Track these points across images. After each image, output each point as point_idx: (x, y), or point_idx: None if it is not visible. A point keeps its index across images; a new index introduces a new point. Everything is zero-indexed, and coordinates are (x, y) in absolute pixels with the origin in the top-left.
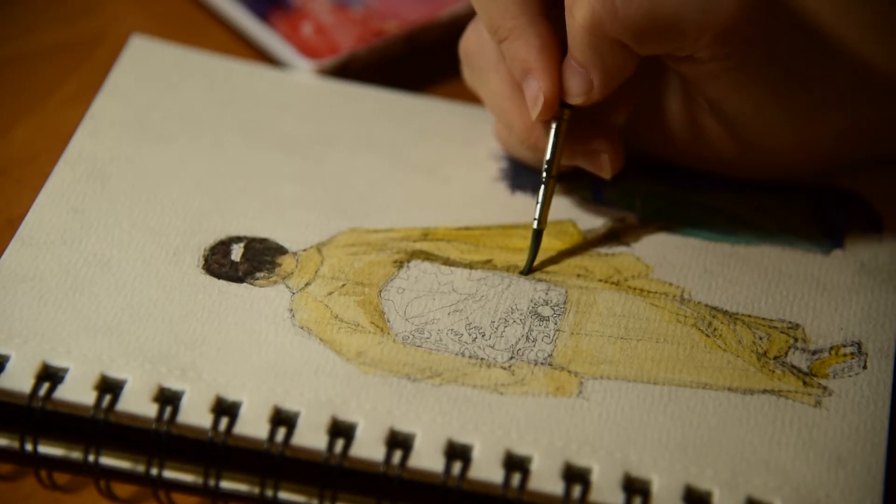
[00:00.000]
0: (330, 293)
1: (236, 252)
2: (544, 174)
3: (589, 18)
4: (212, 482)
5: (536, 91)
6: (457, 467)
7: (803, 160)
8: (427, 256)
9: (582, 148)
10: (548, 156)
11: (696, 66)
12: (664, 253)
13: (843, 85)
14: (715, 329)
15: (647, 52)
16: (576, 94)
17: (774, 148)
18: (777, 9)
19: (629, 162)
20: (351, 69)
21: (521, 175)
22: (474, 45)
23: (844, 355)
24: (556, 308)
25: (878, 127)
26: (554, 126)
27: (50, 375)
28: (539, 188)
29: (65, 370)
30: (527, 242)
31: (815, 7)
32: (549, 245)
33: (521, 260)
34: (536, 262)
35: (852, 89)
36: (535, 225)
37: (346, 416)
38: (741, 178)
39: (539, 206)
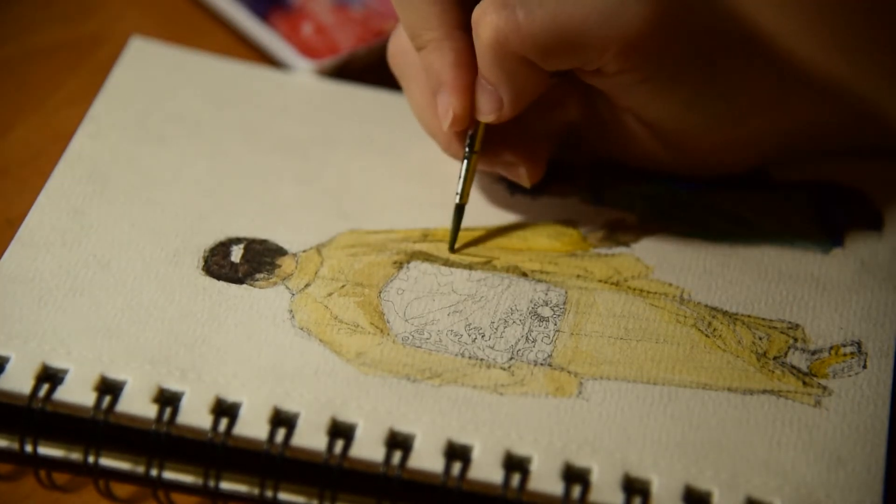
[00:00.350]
0: (330, 294)
1: (236, 253)
2: (466, 154)
3: (493, 36)
4: (211, 483)
5: (447, 106)
6: (456, 468)
7: (736, 159)
8: (427, 257)
9: (501, 158)
10: (466, 142)
11: (606, 80)
12: (664, 253)
13: (771, 88)
14: (715, 329)
15: (554, 67)
16: (486, 112)
17: (702, 149)
18: (688, 21)
19: (627, 164)
20: (351, 69)
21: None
22: (399, 51)
23: (844, 355)
24: (555, 308)
25: (813, 124)
26: (468, 142)
27: (50, 376)
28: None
29: (65, 371)
30: (527, 243)
31: (742, 13)
32: (549, 246)
33: (522, 260)
34: (536, 266)
35: (782, 91)
36: (456, 200)
37: (346, 416)
38: (683, 176)
39: (461, 180)
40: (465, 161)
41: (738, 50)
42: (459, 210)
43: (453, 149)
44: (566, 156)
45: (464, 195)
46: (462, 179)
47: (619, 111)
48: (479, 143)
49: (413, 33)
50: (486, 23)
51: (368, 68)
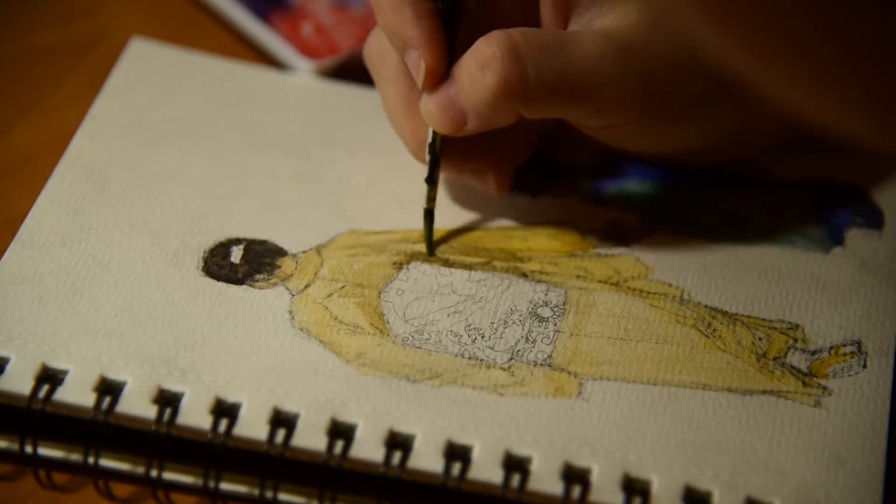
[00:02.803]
0: (329, 295)
1: (236, 254)
2: (428, 158)
3: (499, 87)
4: (211, 483)
5: (417, 59)
6: (456, 468)
7: (728, 155)
8: (426, 258)
9: (467, 166)
10: (428, 143)
11: (590, 130)
12: (664, 253)
13: (761, 114)
14: (714, 330)
15: (536, 117)
16: (444, 125)
17: (693, 156)
18: (671, 82)
19: (628, 162)
20: (351, 69)
21: (520, 176)
22: (375, 52)
23: (844, 355)
24: (555, 309)
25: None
26: (428, 148)
27: (50, 377)
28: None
29: (64, 372)
30: (527, 243)
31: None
32: (549, 246)
33: (521, 261)
34: (537, 260)
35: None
36: (424, 204)
37: (346, 417)
38: (672, 166)
39: (428, 187)
40: (428, 165)
41: (718, 90)
42: (429, 214)
43: (422, 155)
44: (546, 148)
45: (430, 199)
46: (428, 183)
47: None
48: (439, 146)
49: (373, 3)
50: (497, 71)
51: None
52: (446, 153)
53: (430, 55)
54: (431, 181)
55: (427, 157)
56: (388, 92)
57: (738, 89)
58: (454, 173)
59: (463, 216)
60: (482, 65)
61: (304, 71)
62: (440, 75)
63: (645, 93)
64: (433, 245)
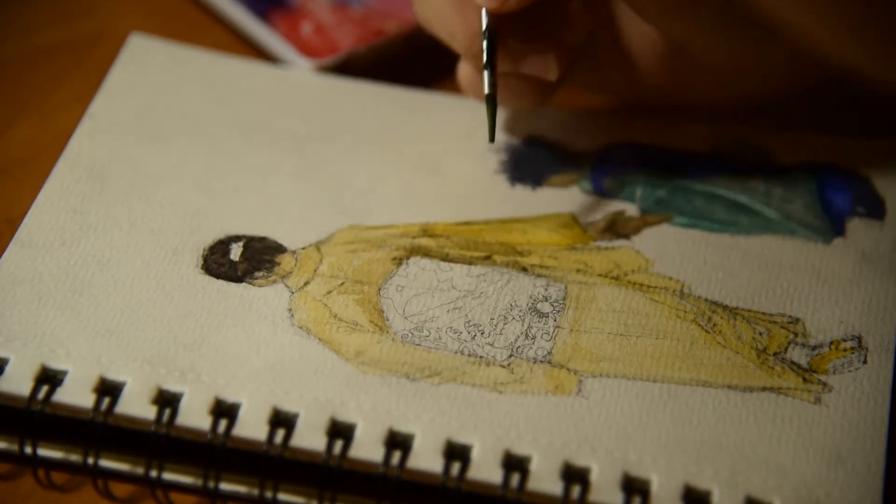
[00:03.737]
0: (329, 292)
1: (235, 251)
2: (484, 43)
3: None
4: (211, 483)
5: None
6: (456, 468)
7: (740, 90)
8: (426, 253)
9: (527, 50)
10: (483, 27)
11: None
12: (664, 245)
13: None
14: (714, 325)
15: None
16: None
17: (712, 76)
18: None
19: (628, 151)
20: (351, 69)
21: (520, 168)
22: None
23: (844, 350)
24: (555, 304)
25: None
26: (484, 33)
27: (49, 378)
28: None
29: (64, 372)
30: (527, 237)
31: None
32: (549, 239)
33: (521, 255)
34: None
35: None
36: (485, 90)
37: (345, 416)
38: (682, 107)
39: (486, 71)
40: (484, 49)
41: None
42: (492, 100)
43: (476, 46)
44: (576, 81)
45: (491, 84)
46: (487, 69)
47: (639, 25)
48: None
49: None
50: None
51: (368, 68)
52: (502, 44)
53: None
54: (490, 66)
55: (484, 43)
56: None
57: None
58: (510, 62)
59: (463, 209)
60: None
61: (303, 69)
62: None
63: None
64: (494, 132)
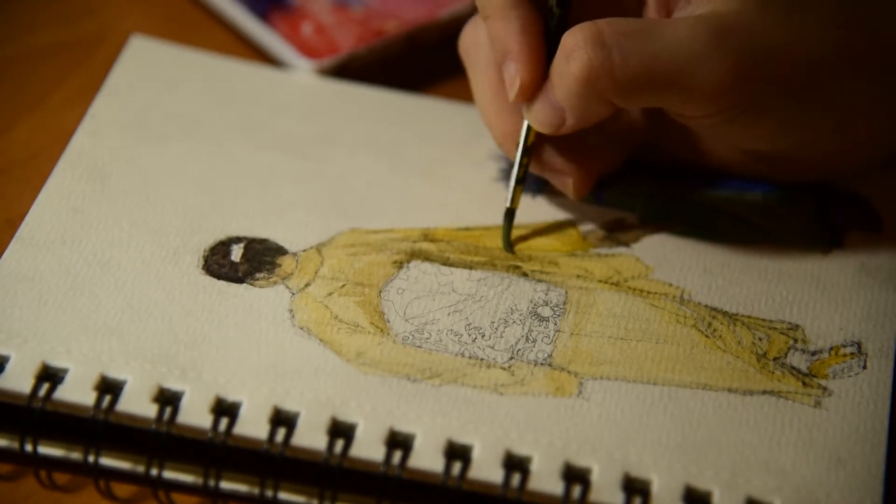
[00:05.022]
0: (330, 294)
1: (236, 252)
2: (518, 157)
3: (585, 74)
4: (212, 482)
5: (514, 73)
6: (457, 467)
7: (834, 167)
8: (427, 257)
9: (550, 164)
10: (520, 144)
11: (690, 120)
12: (664, 253)
13: (864, 98)
14: (714, 330)
15: (633, 107)
16: (543, 123)
17: (797, 162)
18: (772, 60)
19: (629, 162)
20: (351, 69)
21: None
22: (470, 42)
23: (844, 355)
24: (555, 308)
25: None
26: (526, 121)
27: (50, 376)
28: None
29: (65, 370)
30: (528, 242)
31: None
32: (549, 245)
33: (521, 260)
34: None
35: (876, 99)
36: (507, 204)
37: (346, 416)
38: (777, 182)
39: (511, 185)
40: (517, 164)
41: (822, 74)
42: (509, 214)
43: (509, 143)
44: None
45: (514, 200)
46: (513, 183)
47: (705, 138)
48: (532, 142)
49: (481, 3)
50: (581, 57)
51: (368, 68)
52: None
53: (527, 72)
54: (521, 181)
55: (518, 157)
56: (480, 81)
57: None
58: (535, 170)
59: (463, 215)
60: (567, 55)
61: (304, 70)
62: (534, 91)
63: (740, 77)
64: (511, 243)
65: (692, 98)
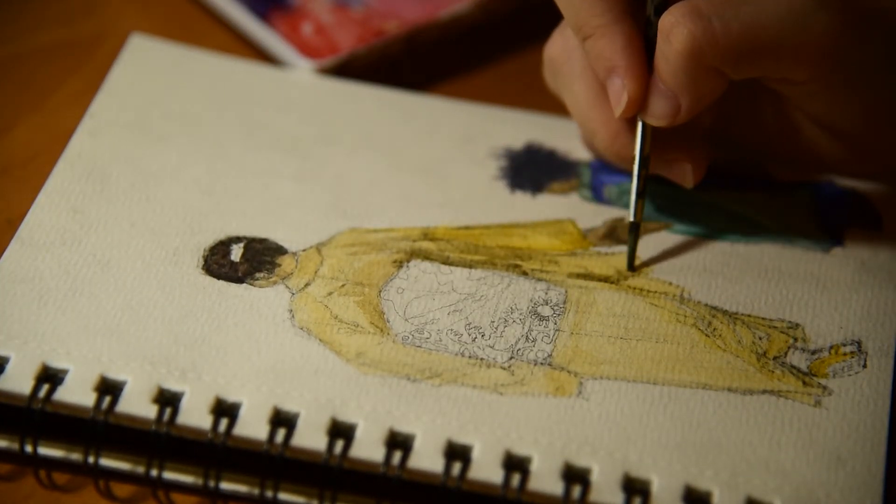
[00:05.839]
0: (329, 293)
1: (236, 252)
2: (636, 169)
3: (689, 46)
4: (212, 483)
5: (620, 89)
6: (456, 468)
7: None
8: (427, 256)
9: (664, 156)
10: (637, 156)
11: (792, 87)
12: (664, 252)
13: None
14: (714, 329)
15: (742, 76)
16: (661, 115)
17: (881, 148)
18: (875, 25)
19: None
20: (351, 69)
21: (520, 174)
22: (560, 51)
23: (844, 354)
24: (555, 308)
25: None
26: (640, 125)
27: (50, 377)
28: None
29: (64, 371)
30: (527, 241)
31: None
32: (549, 244)
33: (521, 259)
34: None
35: None
36: (630, 218)
37: (346, 416)
38: (843, 175)
39: (633, 199)
40: (636, 176)
41: None
42: (635, 228)
43: (617, 145)
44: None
45: (638, 212)
46: (634, 195)
47: (793, 114)
48: (648, 148)
49: (578, 23)
50: (682, 32)
51: (368, 68)
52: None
53: (635, 86)
54: (642, 194)
55: (636, 169)
56: (576, 88)
57: None
58: (651, 165)
59: (463, 214)
60: (667, 34)
61: (304, 70)
62: (640, 105)
63: (845, 36)
64: (634, 260)
65: (798, 60)
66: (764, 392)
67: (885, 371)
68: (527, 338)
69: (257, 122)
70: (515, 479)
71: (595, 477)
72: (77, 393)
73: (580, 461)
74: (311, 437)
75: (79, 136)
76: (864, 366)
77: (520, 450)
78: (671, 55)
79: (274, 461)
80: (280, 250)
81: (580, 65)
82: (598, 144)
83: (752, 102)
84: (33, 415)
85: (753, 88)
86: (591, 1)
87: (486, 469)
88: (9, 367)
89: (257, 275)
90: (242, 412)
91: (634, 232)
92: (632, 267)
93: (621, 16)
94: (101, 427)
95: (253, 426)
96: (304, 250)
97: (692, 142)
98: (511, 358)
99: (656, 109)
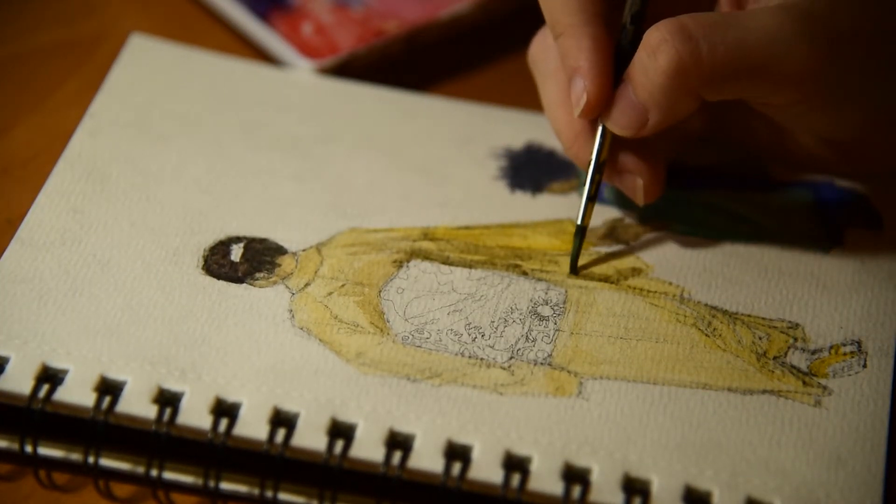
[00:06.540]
0: (329, 293)
1: (236, 252)
2: (590, 173)
3: (674, 66)
4: (212, 483)
5: (581, 91)
6: (456, 468)
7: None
8: (427, 256)
9: (619, 168)
10: (593, 160)
11: (773, 109)
12: (664, 252)
13: None
14: (714, 329)
15: (718, 98)
16: (624, 125)
17: (874, 151)
18: (857, 46)
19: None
20: (351, 69)
21: (520, 174)
22: (539, 50)
23: (844, 354)
24: (555, 308)
25: None
26: (600, 129)
27: (50, 377)
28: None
29: (64, 372)
30: (527, 241)
31: None
32: (549, 244)
33: (521, 259)
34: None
35: None
36: (577, 221)
37: (346, 416)
38: (843, 175)
39: (583, 202)
40: (588, 180)
41: None
42: (580, 232)
43: (576, 148)
44: (695, 157)
45: (586, 216)
46: (584, 198)
47: (783, 123)
48: (606, 154)
49: (552, 20)
50: (668, 51)
51: (368, 68)
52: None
53: (594, 89)
54: (592, 198)
55: (590, 172)
56: (547, 85)
57: None
58: (604, 176)
59: (463, 214)
60: (653, 50)
61: (304, 70)
62: (600, 109)
63: (826, 61)
64: (577, 264)
65: (781, 85)
66: (764, 392)
67: (885, 371)
68: (527, 338)
69: (257, 122)
70: (515, 479)
71: (595, 477)
72: (77, 393)
73: (580, 461)
74: (311, 437)
75: (79, 136)
76: (864, 366)
77: (520, 450)
78: (653, 71)
79: (274, 461)
80: (280, 250)
81: (554, 64)
82: (561, 144)
83: (743, 111)
84: (33, 415)
85: (741, 107)
86: (565, 1)
87: (486, 469)
88: (9, 367)
89: (257, 275)
90: (242, 412)
91: (580, 235)
92: (575, 270)
93: (593, 18)
94: (101, 427)
95: (253, 426)
96: (304, 250)
97: (652, 159)
98: (511, 358)
99: (621, 119)
